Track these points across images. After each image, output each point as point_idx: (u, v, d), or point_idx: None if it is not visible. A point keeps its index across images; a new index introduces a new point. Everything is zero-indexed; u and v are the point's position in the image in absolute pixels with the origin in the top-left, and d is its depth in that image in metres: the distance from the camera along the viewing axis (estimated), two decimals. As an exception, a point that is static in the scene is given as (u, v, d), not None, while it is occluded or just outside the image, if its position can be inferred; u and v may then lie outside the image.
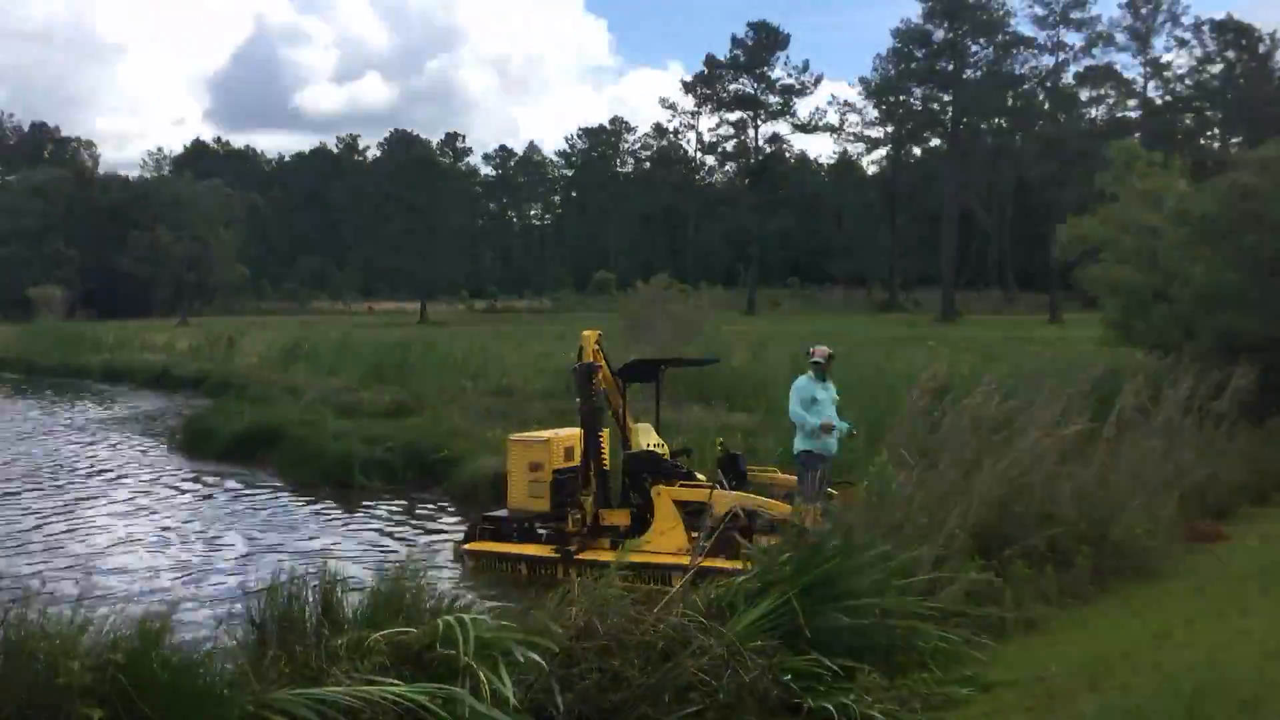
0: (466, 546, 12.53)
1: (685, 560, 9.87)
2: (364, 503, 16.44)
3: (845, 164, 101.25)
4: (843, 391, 12.33)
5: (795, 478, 11.56)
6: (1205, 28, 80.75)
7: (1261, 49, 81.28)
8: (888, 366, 23.34)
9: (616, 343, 28.84)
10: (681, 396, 20.78)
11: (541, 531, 12.32)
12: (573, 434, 12.87)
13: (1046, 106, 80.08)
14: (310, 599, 6.00)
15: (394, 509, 16.10)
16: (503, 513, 12.76)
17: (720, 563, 9.28)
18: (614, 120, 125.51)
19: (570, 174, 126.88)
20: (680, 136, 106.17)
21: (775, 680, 6.32)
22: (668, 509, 11.61)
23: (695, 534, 10.59)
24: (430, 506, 16.30)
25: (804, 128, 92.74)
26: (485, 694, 5.31)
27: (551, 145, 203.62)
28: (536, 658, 5.71)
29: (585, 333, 12.52)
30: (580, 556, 11.53)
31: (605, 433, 12.37)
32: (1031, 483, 9.65)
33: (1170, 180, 22.18)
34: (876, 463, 9.21)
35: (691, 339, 27.66)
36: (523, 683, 5.57)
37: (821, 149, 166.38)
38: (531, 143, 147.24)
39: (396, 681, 5.28)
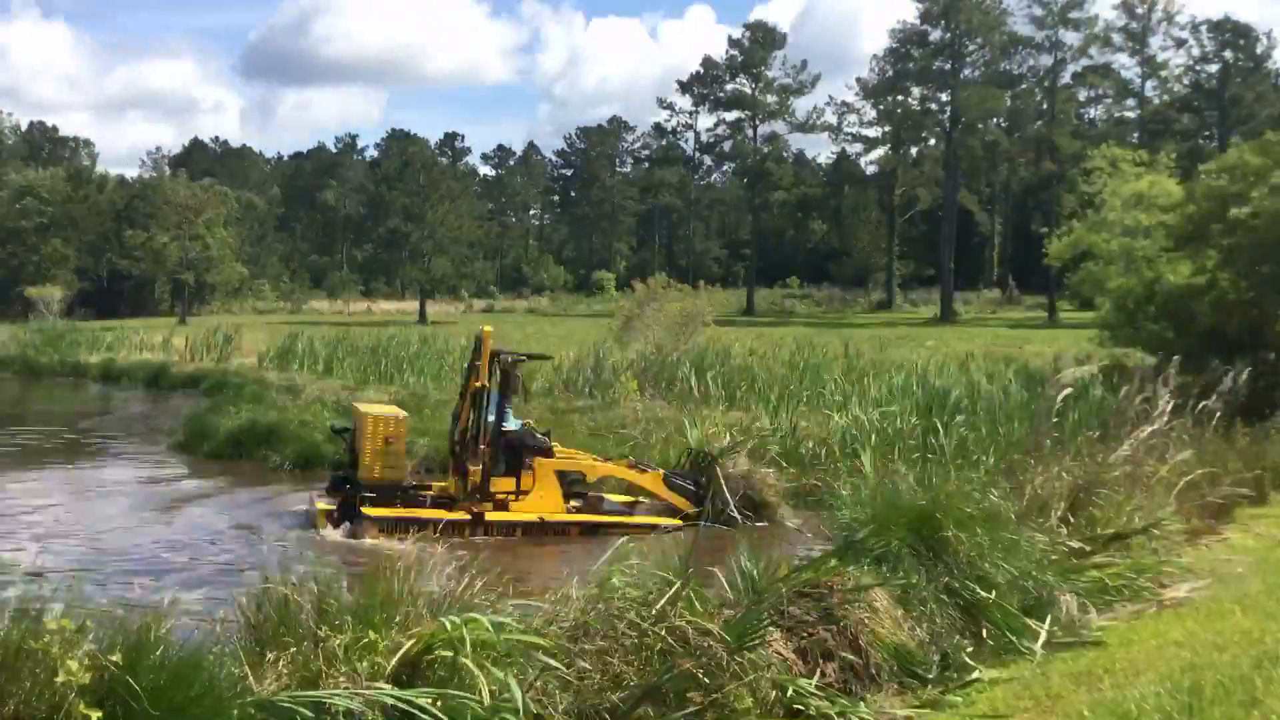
0: (366, 511, 13.37)
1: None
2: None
3: (844, 164, 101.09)
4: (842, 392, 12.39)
5: None
6: (1203, 28, 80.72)
7: (1259, 49, 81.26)
8: (884, 365, 23.36)
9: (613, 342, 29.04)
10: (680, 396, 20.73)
11: (424, 497, 13.79)
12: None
13: (1044, 106, 79.91)
14: (306, 599, 5.98)
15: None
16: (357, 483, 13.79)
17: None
18: (612, 120, 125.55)
19: (569, 174, 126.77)
20: (679, 136, 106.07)
21: (775, 680, 6.31)
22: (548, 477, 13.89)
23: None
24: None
25: (802, 127, 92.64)
26: (485, 696, 5.30)
27: (549, 145, 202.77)
28: (534, 660, 5.70)
29: (485, 328, 14.28)
30: (491, 517, 13.44)
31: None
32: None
33: (1158, 179, 22.31)
34: None
35: (688, 338, 27.70)
36: (522, 683, 5.56)
37: (820, 149, 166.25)
38: (531, 143, 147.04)
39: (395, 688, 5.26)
